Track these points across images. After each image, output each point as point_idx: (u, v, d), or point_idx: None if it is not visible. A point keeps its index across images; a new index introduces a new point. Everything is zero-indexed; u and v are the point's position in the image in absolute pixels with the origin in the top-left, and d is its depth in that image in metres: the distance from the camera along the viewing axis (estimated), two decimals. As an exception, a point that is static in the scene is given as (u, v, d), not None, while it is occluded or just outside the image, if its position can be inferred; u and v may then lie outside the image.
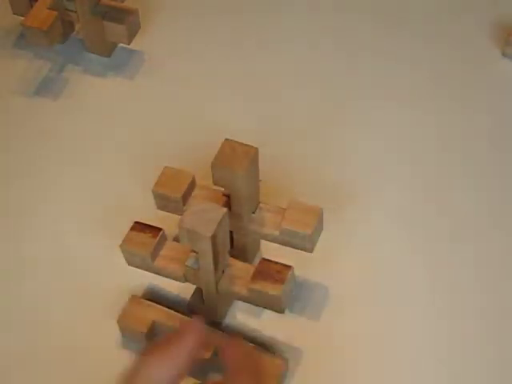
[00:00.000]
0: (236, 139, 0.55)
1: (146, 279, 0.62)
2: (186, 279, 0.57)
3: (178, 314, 0.59)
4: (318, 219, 0.56)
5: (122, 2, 0.74)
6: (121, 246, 0.58)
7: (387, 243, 0.64)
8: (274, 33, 0.76)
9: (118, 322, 0.59)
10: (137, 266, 0.58)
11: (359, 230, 0.65)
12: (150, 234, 0.57)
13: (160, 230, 0.57)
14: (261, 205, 0.58)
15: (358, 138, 0.70)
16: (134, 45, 0.73)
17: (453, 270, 0.63)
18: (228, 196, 0.57)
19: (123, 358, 0.59)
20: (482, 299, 0.62)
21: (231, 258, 0.56)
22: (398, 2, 0.78)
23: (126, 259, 0.58)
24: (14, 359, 0.60)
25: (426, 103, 0.72)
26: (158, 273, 0.58)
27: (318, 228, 0.57)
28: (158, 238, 0.57)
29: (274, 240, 0.58)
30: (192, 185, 0.58)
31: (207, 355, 0.57)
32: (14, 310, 0.62)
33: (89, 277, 0.63)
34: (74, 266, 0.64)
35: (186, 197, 0.58)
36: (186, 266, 0.56)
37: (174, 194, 0.58)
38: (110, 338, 0.60)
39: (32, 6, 0.71)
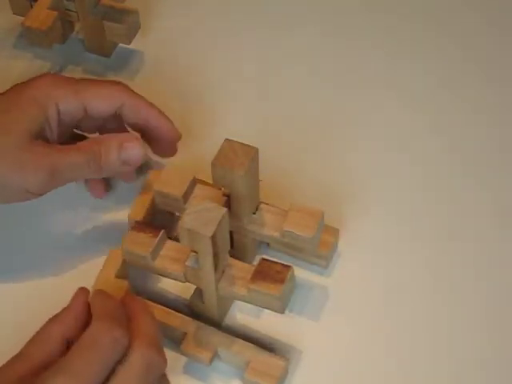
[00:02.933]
0: (236, 139, 0.56)
1: (146, 279, 0.62)
2: (186, 279, 0.57)
3: (178, 314, 0.59)
4: (319, 222, 0.56)
5: (122, 2, 0.74)
6: (121, 245, 0.58)
7: (387, 242, 0.64)
8: (274, 33, 0.76)
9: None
10: (137, 266, 0.58)
11: (359, 229, 0.65)
12: (151, 234, 0.57)
13: (160, 229, 0.57)
14: (261, 205, 0.58)
15: (359, 138, 0.70)
16: (134, 45, 0.73)
17: (453, 269, 0.63)
18: (228, 196, 0.57)
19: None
20: (482, 298, 0.62)
21: (231, 258, 0.56)
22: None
23: (127, 259, 0.58)
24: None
25: (427, 103, 0.72)
26: (158, 273, 0.58)
27: (319, 231, 0.57)
28: (158, 237, 0.57)
29: (273, 241, 0.58)
30: (193, 184, 0.58)
31: (207, 358, 0.57)
32: (13, 310, 0.62)
33: (89, 277, 0.63)
34: (74, 265, 0.64)
35: (186, 196, 0.58)
36: (186, 266, 0.56)
37: (174, 192, 0.58)
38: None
39: (32, 6, 0.71)
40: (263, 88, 0.73)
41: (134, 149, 0.58)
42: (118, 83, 0.62)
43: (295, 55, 0.75)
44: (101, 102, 0.60)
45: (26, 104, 0.58)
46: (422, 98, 0.72)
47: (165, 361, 0.51)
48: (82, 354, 0.48)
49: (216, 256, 0.53)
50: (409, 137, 0.70)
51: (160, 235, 0.57)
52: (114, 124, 0.63)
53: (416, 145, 0.69)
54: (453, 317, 0.61)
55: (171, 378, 0.58)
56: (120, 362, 0.49)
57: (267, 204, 0.58)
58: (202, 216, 0.51)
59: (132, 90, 0.62)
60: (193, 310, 0.60)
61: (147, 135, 0.63)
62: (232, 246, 0.59)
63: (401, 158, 0.68)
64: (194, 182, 0.59)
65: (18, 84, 0.61)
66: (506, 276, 0.63)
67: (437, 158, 0.68)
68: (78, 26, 0.75)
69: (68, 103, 0.59)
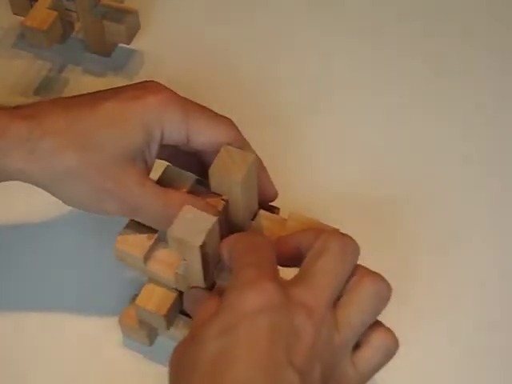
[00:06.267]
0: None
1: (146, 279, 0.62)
2: (176, 285, 0.56)
3: (178, 314, 0.59)
4: None
5: (122, 2, 0.74)
6: (115, 245, 0.56)
7: (387, 243, 0.64)
8: (274, 32, 0.76)
9: (120, 321, 0.59)
10: (128, 265, 0.57)
11: (359, 229, 0.64)
12: (146, 236, 0.56)
13: (155, 232, 0.56)
14: (260, 212, 0.58)
15: (358, 138, 0.70)
16: (134, 45, 0.73)
17: (453, 269, 0.63)
18: (227, 201, 0.56)
19: (124, 358, 0.60)
20: (483, 299, 0.62)
21: None
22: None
23: (118, 257, 0.57)
24: (13, 359, 0.60)
25: (428, 103, 0.72)
26: (149, 276, 0.57)
27: None
28: (152, 240, 0.56)
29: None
30: (193, 187, 0.58)
31: None
32: (14, 309, 0.62)
33: (89, 277, 0.63)
34: (74, 266, 0.64)
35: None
36: (176, 273, 0.55)
37: None
38: (111, 337, 0.60)
39: (32, 6, 0.71)
40: (263, 88, 0.73)
41: None
42: (228, 120, 0.57)
43: (295, 55, 0.75)
44: (207, 137, 0.56)
45: (132, 125, 0.54)
46: (423, 99, 0.72)
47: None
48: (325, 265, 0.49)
49: (206, 266, 0.52)
50: (409, 136, 0.70)
51: (155, 238, 0.56)
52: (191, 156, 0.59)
53: (416, 144, 0.69)
54: (453, 317, 0.61)
55: (167, 378, 0.58)
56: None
57: (265, 211, 0.58)
58: (191, 224, 0.50)
59: (239, 131, 0.57)
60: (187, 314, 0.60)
61: None
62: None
63: (401, 158, 0.69)
64: (194, 185, 0.58)
65: (128, 89, 0.56)
66: (506, 276, 0.63)
67: (437, 158, 0.68)
68: (77, 26, 0.75)
69: (174, 130, 0.55)
